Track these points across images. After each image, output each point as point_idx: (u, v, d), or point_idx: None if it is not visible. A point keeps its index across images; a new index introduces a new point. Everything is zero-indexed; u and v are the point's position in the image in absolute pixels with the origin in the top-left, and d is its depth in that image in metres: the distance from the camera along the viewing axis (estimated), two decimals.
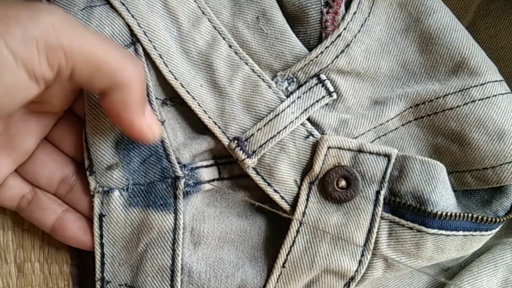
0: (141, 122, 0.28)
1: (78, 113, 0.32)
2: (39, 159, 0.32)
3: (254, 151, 0.32)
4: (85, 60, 0.24)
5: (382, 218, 0.32)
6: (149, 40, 0.32)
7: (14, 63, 0.22)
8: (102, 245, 0.31)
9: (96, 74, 0.25)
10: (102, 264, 0.32)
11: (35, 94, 0.25)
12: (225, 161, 0.34)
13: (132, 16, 0.32)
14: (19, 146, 0.30)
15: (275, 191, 0.32)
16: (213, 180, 0.34)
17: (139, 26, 0.32)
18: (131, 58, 0.27)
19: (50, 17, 0.23)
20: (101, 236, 0.31)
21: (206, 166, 0.33)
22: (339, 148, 0.32)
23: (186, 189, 0.31)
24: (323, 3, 0.33)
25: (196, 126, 0.34)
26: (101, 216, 0.31)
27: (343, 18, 0.33)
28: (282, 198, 0.32)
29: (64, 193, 0.33)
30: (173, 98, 0.33)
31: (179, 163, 0.32)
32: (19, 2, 0.23)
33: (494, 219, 0.32)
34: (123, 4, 0.32)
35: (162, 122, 0.32)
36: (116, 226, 0.31)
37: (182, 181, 0.31)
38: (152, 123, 0.29)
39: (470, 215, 0.31)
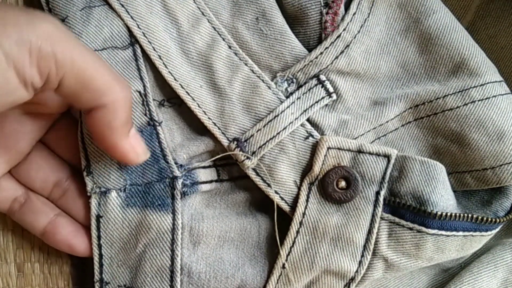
0: (124, 144, 0.28)
1: (75, 115, 0.32)
2: (34, 162, 0.32)
3: (253, 152, 0.32)
4: (75, 74, 0.25)
5: (382, 218, 0.32)
6: (149, 42, 0.32)
7: (6, 63, 0.22)
8: (100, 246, 0.31)
9: (83, 90, 0.25)
10: (101, 265, 0.32)
11: (24, 99, 0.25)
12: (224, 162, 0.34)
13: (131, 17, 0.32)
14: (13, 147, 0.30)
15: (275, 192, 0.32)
16: (211, 181, 0.34)
17: (138, 27, 0.32)
18: (119, 80, 0.27)
19: (47, 25, 0.24)
20: (99, 237, 0.31)
21: (204, 167, 0.33)
22: (338, 148, 0.32)
23: (183, 189, 0.31)
24: (322, 4, 0.33)
25: (195, 127, 0.34)
26: (98, 217, 0.31)
27: (342, 19, 0.33)
28: (282, 199, 0.33)
29: (58, 197, 0.32)
30: (171, 99, 0.33)
31: (176, 163, 0.32)
32: (18, 7, 0.24)
33: (494, 220, 0.32)
34: (122, 5, 0.32)
35: (159, 123, 0.32)
36: (114, 227, 0.31)
37: (180, 181, 0.31)
38: (136, 145, 0.29)
39: (470, 215, 0.31)
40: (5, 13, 0.23)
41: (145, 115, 0.31)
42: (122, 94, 0.27)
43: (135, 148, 0.29)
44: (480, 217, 0.32)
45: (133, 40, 0.32)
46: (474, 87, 0.33)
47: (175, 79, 0.32)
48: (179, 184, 0.31)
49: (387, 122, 0.34)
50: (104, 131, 0.28)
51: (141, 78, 0.32)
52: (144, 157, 0.30)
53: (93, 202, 0.31)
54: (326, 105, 0.34)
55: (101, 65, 0.26)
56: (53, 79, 0.24)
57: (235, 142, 0.32)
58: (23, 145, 0.31)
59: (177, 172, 0.31)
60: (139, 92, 0.32)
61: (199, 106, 0.33)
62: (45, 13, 0.25)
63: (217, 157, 0.33)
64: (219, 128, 0.33)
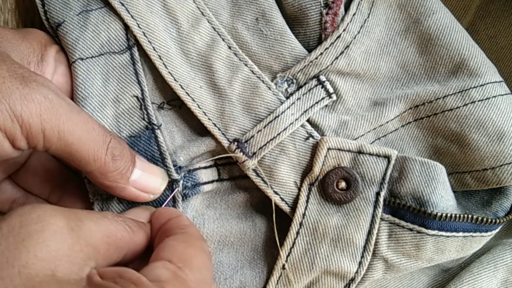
0: (128, 193, 0.29)
1: None
2: (31, 169, 0.32)
3: (254, 153, 0.32)
4: (61, 147, 0.26)
5: (382, 219, 0.32)
6: (149, 41, 0.32)
7: (1, 135, 0.24)
8: None
9: (69, 158, 0.27)
10: None
11: (16, 156, 0.26)
12: (225, 161, 0.34)
13: (132, 16, 0.32)
14: (10, 160, 0.31)
15: (275, 192, 0.32)
16: (212, 181, 0.34)
17: (138, 27, 0.32)
18: (103, 147, 0.27)
19: (41, 101, 0.25)
20: None
21: (205, 168, 0.33)
22: (339, 149, 0.32)
23: (184, 191, 0.31)
24: (322, 5, 0.33)
25: (195, 128, 0.34)
26: None
27: (342, 20, 0.33)
28: (282, 199, 0.32)
29: (56, 201, 0.33)
30: (171, 101, 0.33)
31: (175, 166, 0.31)
32: (17, 76, 0.24)
33: (494, 220, 0.32)
34: (122, 4, 0.32)
35: (158, 127, 0.32)
36: None
37: (180, 183, 0.31)
38: (144, 186, 0.29)
39: (470, 216, 0.31)
40: (2, 84, 0.24)
41: (143, 119, 0.31)
42: (107, 159, 0.27)
43: (144, 190, 0.30)
44: (480, 218, 0.32)
45: (131, 44, 0.32)
46: (474, 87, 0.33)
47: (175, 80, 0.32)
48: (179, 187, 0.31)
49: (387, 122, 0.34)
50: (102, 187, 0.29)
51: (139, 82, 0.32)
52: (160, 189, 0.30)
53: (96, 208, 0.31)
54: (326, 105, 0.34)
55: (87, 136, 0.26)
56: (40, 149, 0.26)
57: (236, 143, 0.32)
58: (19, 158, 0.31)
59: (175, 175, 0.31)
60: (137, 97, 0.31)
61: (199, 107, 0.32)
62: (42, 82, 0.25)
63: (217, 157, 0.33)
64: (219, 129, 0.32)
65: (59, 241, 0.21)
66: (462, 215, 0.31)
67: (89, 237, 0.23)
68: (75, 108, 0.26)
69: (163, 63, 0.32)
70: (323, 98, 0.33)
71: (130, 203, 0.31)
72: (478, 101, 0.32)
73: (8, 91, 0.24)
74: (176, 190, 0.31)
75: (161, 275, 0.22)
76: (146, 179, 0.30)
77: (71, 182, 0.33)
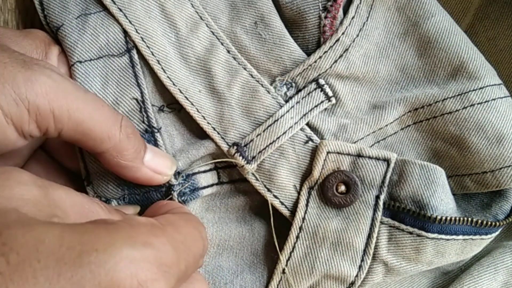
0: (142, 174, 0.29)
1: None
2: (32, 170, 0.32)
3: (253, 157, 0.32)
4: (73, 127, 0.25)
5: (381, 222, 0.32)
6: (147, 46, 0.32)
7: (5, 121, 0.23)
8: None
9: (83, 139, 0.26)
10: None
11: (23, 145, 0.25)
12: (225, 165, 0.34)
13: (130, 22, 0.32)
14: (11, 159, 0.30)
15: (275, 196, 0.32)
16: (212, 185, 0.34)
17: (136, 32, 0.32)
18: (117, 122, 0.27)
19: (45, 81, 0.24)
20: None
21: (205, 171, 0.33)
22: (338, 153, 0.32)
23: (182, 198, 0.31)
24: (321, 8, 0.33)
25: (195, 131, 0.34)
26: None
27: (341, 23, 0.33)
28: (282, 203, 0.32)
29: None
30: (171, 104, 0.33)
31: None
32: (18, 60, 0.24)
33: (493, 223, 0.32)
34: (120, 10, 0.32)
35: (158, 130, 0.32)
36: None
37: (177, 190, 0.31)
38: (157, 166, 0.29)
39: (469, 219, 0.31)
40: (3, 69, 0.23)
41: (143, 122, 0.31)
42: (122, 139, 0.27)
43: (156, 170, 0.29)
44: (480, 221, 0.32)
45: (130, 46, 0.32)
46: (473, 90, 0.33)
47: (174, 84, 0.32)
48: (175, 193, 0.31)
49: (386, 126, 0.34)
50: (117, 170, 0.28)
51: (139, 85, 0.32)
52: (171, 170, 0.30)
53: None
54: (326, 109, 0.34)
55: (98, 113, 0.26)
56: (52, 132, 0.25)
57: (235, 147, 0.32)
58: (20, 157, 0.31)
59: (173, 181, 0.31)
60: (136, 99, 0.31)
61: (198, 111, 0.32)
62: (43, 64, 0.25)
63: (216, 160, 0.33)
64: (218, 133, 0.32)
65: (25, 190, 0.20)
66: (462, 218, 0.31)
67: (58, 200, 0.21)
68: (80, 88, 0.26)
69: (162, 68, 0.32)
70: (322, 102, 0.33)
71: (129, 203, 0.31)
72: (478, 104, 0.32)
73: (11, 75, 0.23)
74: (170, 196, 0.31)
75: (136, 218, 0.21)
76: (157, 161, 0.30)
77: (72, 185, 0.33)
